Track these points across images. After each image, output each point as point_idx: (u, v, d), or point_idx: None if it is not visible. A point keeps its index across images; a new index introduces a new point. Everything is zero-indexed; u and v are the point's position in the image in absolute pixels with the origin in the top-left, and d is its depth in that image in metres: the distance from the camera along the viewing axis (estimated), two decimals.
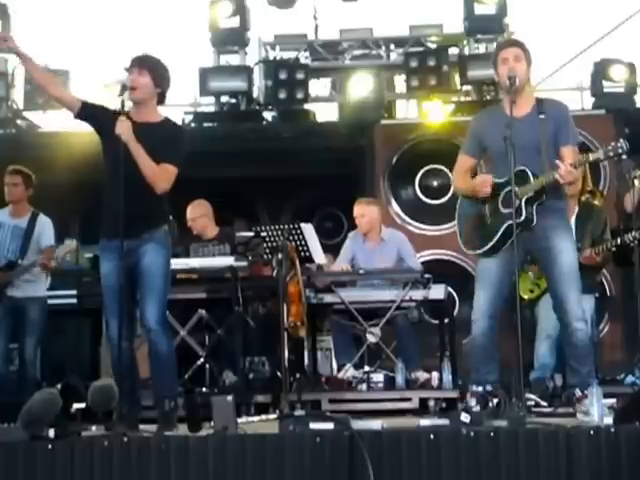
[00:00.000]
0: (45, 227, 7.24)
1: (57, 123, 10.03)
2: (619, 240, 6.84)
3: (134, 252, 5.21)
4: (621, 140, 5.21)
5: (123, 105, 5.17)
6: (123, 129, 5.11)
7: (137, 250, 5.23)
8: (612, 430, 4.40)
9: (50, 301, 7.42)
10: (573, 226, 6.94)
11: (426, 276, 7.06)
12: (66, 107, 5.31)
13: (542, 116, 5.25)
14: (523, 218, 5.19)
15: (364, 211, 7.61)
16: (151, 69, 5.27)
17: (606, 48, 9.79)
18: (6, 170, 7.29)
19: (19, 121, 10.16)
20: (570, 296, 5.26)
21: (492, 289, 5.36)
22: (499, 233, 5.30)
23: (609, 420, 4.65)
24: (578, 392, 5.19)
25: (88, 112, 5.28)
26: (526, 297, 6.95)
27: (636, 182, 6.82)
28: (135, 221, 5.09)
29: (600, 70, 9.58)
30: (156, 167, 5.18)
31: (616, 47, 9.76)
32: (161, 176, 5.20)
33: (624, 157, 5.30)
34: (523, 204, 5.20)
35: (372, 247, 7.60)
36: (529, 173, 5.19)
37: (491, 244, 5.34)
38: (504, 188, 5.31)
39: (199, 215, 7.65)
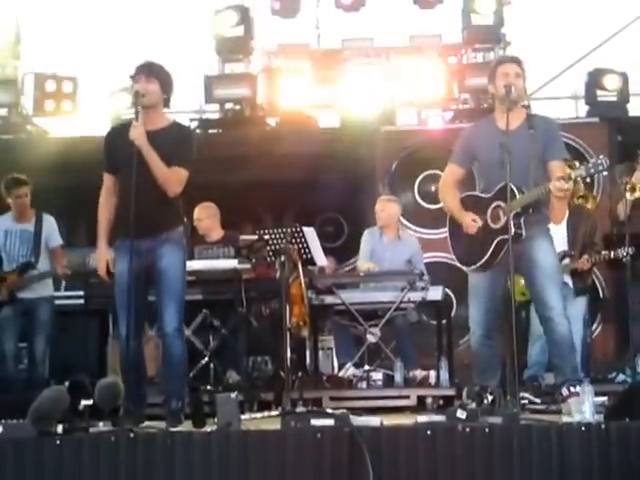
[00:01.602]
0: (51, 228, 7.25)
1: (65, 129, 10.08)
2: (612, 254, 6.87)
3: (151, 253, 5.20)
4: (601, 157, 5.21)
5: (137, 114, 5.18)
6: (137, 134, 5.12)
7: (154, 251, 5.22)
8: (603, 427, 4.42)
9: (59, 302, 7.45)
10: (564, 229, 6.98)
11: (424, 278, 7.09)
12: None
13: (532, 131, 5.23)
14: (513, 233, 5.12)
15: (384, 206, 7.75)
16: (158, 76, 5.28)
17: (600, 58, 9.81)
18: (6, 182, 7.19)
19: (29, 126, 10.17)
20: (550, 293, 5.24)
21: (485, 301, 5.37)
22: (491, 249, 5.27)
23: (600, 417, 4.67)
24: (565, 391, 5.17)
25: (114, 167, 5.32)
26: (519, 300, 6.96)
27: (628, 189, 6.86)
28: (152, 222, 5.11)
29: (594, 79, 9.59)
30: (168, 171, 5.17)
31: (610, 57, 9.78)
32: (173, 179, 5.20)
33: (605, 173, 5.30)
34: (511, 219, 5.13)
35: (388, 242, 7.69)
36: (514, 189, 5.13)
37: (484, 260, 5.31)
38: (492, 203, 5.30)
39: (205, 217, 7.68)
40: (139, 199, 4.99)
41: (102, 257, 5.33)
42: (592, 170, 5.17)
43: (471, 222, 5.35)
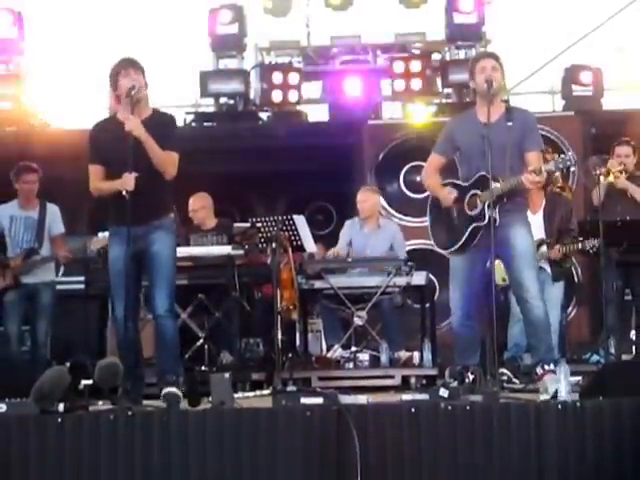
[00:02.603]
0: (55, 216, 7.22)
1: (67, 121, 10.02)
2: (580, 245, 6.87)
3: (143, 238, 5.19)
4: (569, 153, 5.26)
5: (134, 106, 5.14)
6: (134, 126, 5.10)
7: (147, 237, 5.21)
8: (578, 405, 4.44)
9: (60, 287, 7.42)
10: (541, 217, 6.98)
11: (409, 264, 7.07)
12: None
13: (510, 123, 5.21)
14: (486, 221, 5.17)
15: (367, 197, 7.68)
16: (141, 68, 5.27)
17: (576, 55, 9.80)
18: (17, 168, 7.17)
19: (31, 119, 10.12)
20: (526, 275, 5.24)
21: (463, 284, 5.37)
22: (466, 234, 5.30)
23: (575, 396, 4.67)
24: (540, 370, 5.17)
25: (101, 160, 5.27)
26: (500, 284, 6.95)
27: (602, 178, 6.86)
28: (144, 208, 5.09)
29: (570, 75, 9.59)
30: (164, 155, 5.18)
31: (585, 54, 9.77)
32: (169, 162, 5.20)
33: (572, 169, 5.32)
34: (486, 208, 5.18)
35: (369, 232, 7.63)
36: (490, 179, 5.13)
37: (459, 244, 5.34)
38: (469, 191, 5.32)
39: (200, 207, 7.64)
40: (134, 188, 5.00)
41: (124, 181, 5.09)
42: (561, 165, 5.21)
43: (447, 194, 5.38)
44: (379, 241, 7.56)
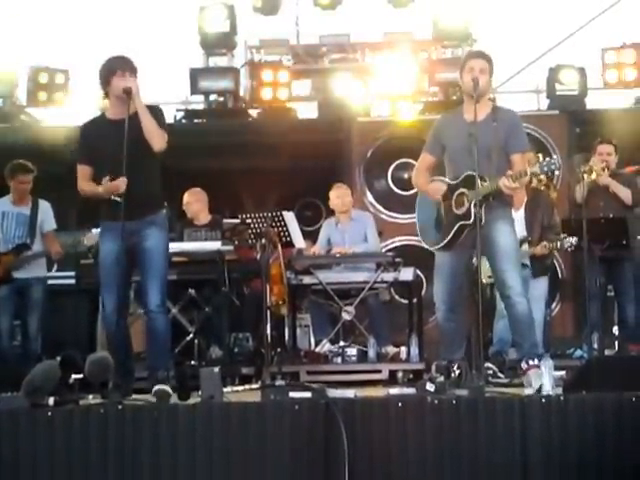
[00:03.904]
0: (47, 212, 7.20)
1: (57, 118, 9.98)
2: (559, 244, 6.90)
3: (136, 234, 5.18)
4: (555, 157, 5.26)
5: (129, 108, 5.14)
6: (133, 84, 5.10)
7: (139, 232, 5.20)
8: (561, 399, 4.45)
9: (51, 282, 7.39)
10: (522, 215, 6.99)
11: (396, 260, 7.08)
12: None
13: (495, 123, 5.22)
14: (473, 219, 5.16)
15: (340, 193, 7.75)
16: (136, 70, 5.26)
17: (560, 54, 9.82)
18: (13, 166, 7.14)
19: (22, 116, 10.08)
20: (509, 273, 5.25)
21: (447, 280, 5.38)
22: (452, 232, 5.31)
23: (559, 390, 4.69)
24: (524, 364, 5.18)
25: (91, 158, 5.27)
26: (485, 281, 6.96)
27: (585, 176, 6.88)
28: (136, 204, 5.08)
29: (554, 74, 9.60)
30: (156, 125, 5.17)
31: (569, 54, 9.79)
32: (160, 134, 5.20)
33: (557, 173, 5.32)
34: (472, 207, 5.17)
35: (343, 227, 7.70)
36: (477, 178, 5.13)
37: (445, 242, 5.35)
38: (457, 190, 5.33)
39: (193, 200, 7.65)
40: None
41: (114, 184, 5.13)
42: (545, 168, 5.22)
43: (437, 187, 5.38)
44: (354, 233, 7.63)
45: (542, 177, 6.90)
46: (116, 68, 5.20)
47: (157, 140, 5.18)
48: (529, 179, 5.38)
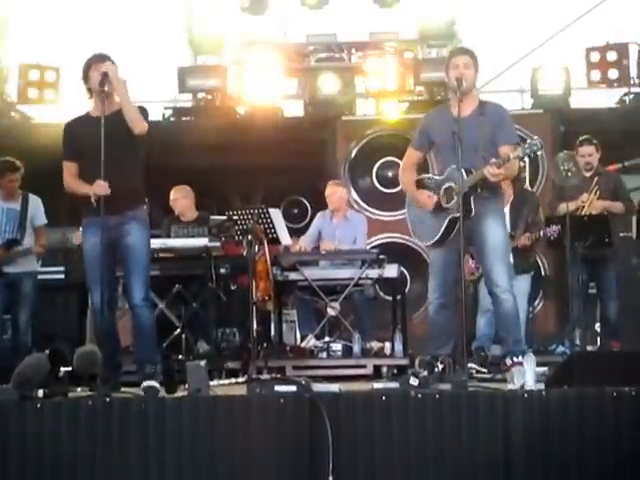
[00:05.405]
0: (37, 207, 7.17)
1: (48, 115, 9.94)
2: (541, 233, 6.94)
3: (117, 228, 5.19)
4: (535, 138, 5.24)
5: (103, 93, 5.15)
6: (110, 67, 5.13)
7: (121, 227, 5.21)
8: (543, 393, 4.48)
9: (41, 276, 7.35)
10: (508, 212, 7.02)
11: (381, 257, 7.09)
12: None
13: (482, 117, 5.24)
14: (463, 211, 5.11)
15: (333, 190, 7.76)
16: (113, 62, 5.27)
17: (544, 54, 9.85)
18: (1, 163, 7.10)
19: (13, 113, 10.03)
20: (497, 269, 5.27)
21: (440, 275, 5.39)
22: (443, 227, 5.30)
23: (541, 385, 4.71)
24: (508, 361, 5.19)
25: (76, 155, 5.28)
26: (469, 278, 7.00)
27: (569, 174, 6.92)
28: (119, 200, 5.09)
29: (538, 74, 9.65)
30: (136, 109, 5.20)
31: (553, 53, 9.83)
32: (140, 117, 5.20)
33: (539, 153, 5.30)
34: (460, 199, 5.15)
35: (337, 223, 7.72)
36: (463, 171, 5.13)
37: (437, 238, 5.34)
38: (444, 184, 5.32)
39: (180, 196, 7.67)
40: (107, 180, 5.03)
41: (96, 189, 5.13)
42: (528, 150, 5.16)
43: (427, 198, 5.38)
44: (346, 232, 7.64)
45: (524, 175, 6.93)
46: (92, 62, 5.26)
47: (137, 123, 5.19)
48: (516, 167, 5.34)
